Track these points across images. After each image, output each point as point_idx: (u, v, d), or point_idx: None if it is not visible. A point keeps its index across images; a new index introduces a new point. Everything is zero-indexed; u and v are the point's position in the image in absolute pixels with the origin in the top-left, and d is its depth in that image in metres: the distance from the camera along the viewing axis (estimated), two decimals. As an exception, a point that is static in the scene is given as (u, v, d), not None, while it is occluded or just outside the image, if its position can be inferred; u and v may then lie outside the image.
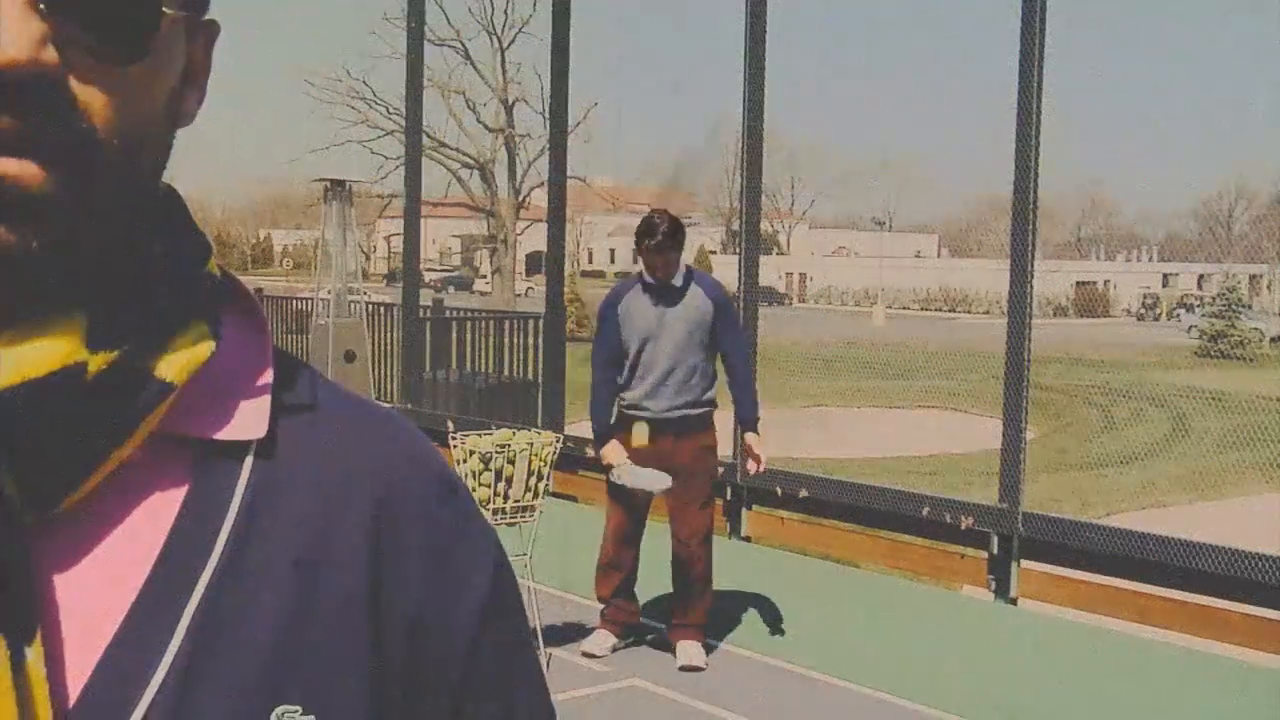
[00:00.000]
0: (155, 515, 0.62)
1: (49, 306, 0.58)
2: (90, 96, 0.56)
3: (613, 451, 5.19)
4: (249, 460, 0.64)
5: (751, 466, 5.41)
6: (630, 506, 5.37)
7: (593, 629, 5.67)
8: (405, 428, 0.72)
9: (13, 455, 0.57)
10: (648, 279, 5.29)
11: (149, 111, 0.60)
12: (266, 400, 0.66)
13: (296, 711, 0.61)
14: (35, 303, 0.58)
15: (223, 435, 0.64)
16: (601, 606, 5.53)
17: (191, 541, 0.61)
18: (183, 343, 0.62)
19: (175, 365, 0.61)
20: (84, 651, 0.58)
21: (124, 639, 0.59)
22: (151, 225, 0.64)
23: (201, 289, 0.65)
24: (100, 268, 0.60)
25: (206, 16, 0.66)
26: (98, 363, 0.58)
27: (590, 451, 8.41)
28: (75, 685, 0.58)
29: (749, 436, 5.34)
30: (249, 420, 0.65)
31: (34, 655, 0.56)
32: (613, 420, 5.41)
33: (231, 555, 0.62)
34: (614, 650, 5.45)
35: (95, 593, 0.60)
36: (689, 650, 5.34)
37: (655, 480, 5.19)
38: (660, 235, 5.17)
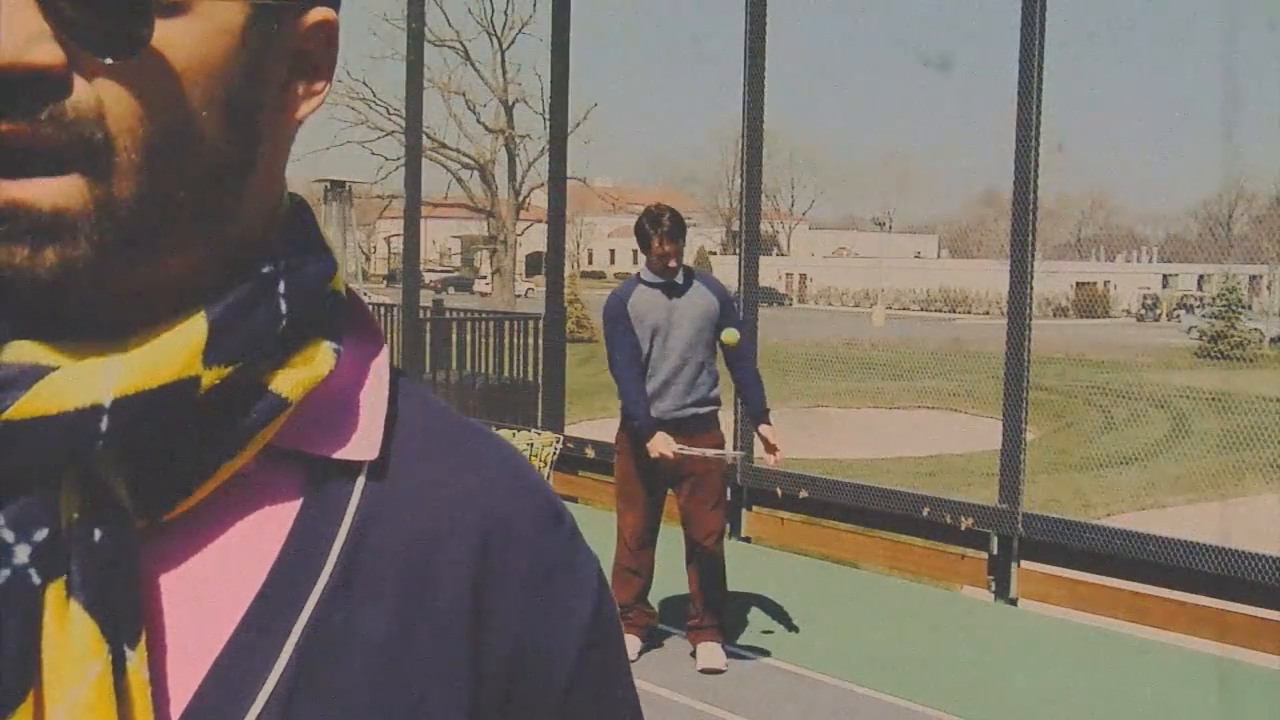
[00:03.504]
0: (265, 530, 0.62)
1: (163, 313, 0.58)
2: (103, 95, 0.54)
3: (663, 442, 5.10)
4: (360, 481, 0.64)
5: (770, 458, 5.40)
6: (647, 510, 5.35)
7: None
8: (513, 455, 0.71)
9: (126, 461, 0.58)
10: (650, 278, 5.27)
11: (185, 108, 0.57)
12: (380, 422, 0.65)
13: None
14: (131, 302, 0.58)
15: (337, 454, 0.64)
16: (618, 611, 5.50)
17: (302, 560, 0.61)
18: (301, 360, 0.62)
19: (292, 382, 0.61)
20: (189, 661, 0.59)
21: (231, 653, 0.59)
22: (268, 235, 0.63)
23: (324, 306, 0.64)
24: (202, 274, 0.60)
25: (318, 11, 0.63)
26: (211, 378, 0.58)
27: (591, 453, 8.42)
28: (179, 696, 0.58)
29: (764, 429, 5.33)
30: (363, 441, 0.64)
31: (136, 659, 0.56)
32: (620, 424, 5.39)
33: (340, 576, 0.62)
34: (640, 654, 5.43)
35: (202, 603, 0.60)
36: (710, 651, 5.31)
37: (722, 451, 5.26)
38: (668, 222, 5.18)
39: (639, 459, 5.27)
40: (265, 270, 0.62)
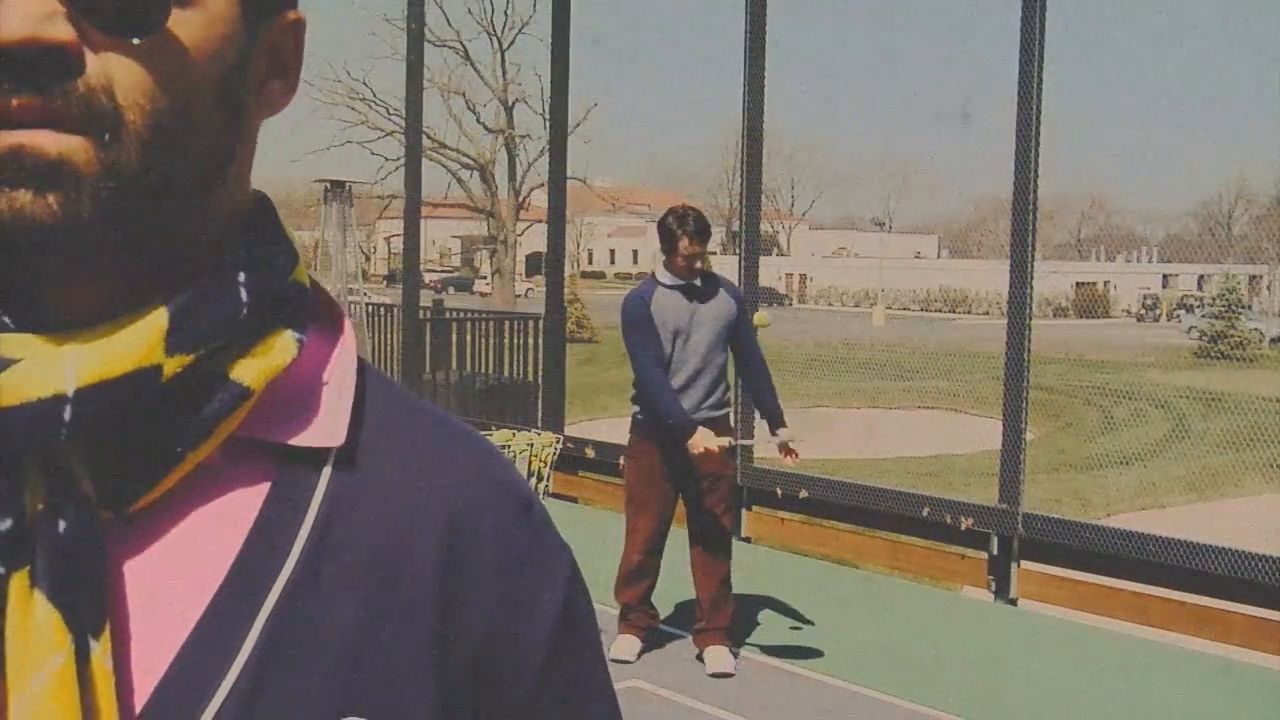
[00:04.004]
0: (232, 519, 0.62)
1: (127, 304, 0.59)
2: (112, 72, 0.56)
3: (706, 437, 5.04)
4: (327, 470, 0.65)
5: (787, 460, 5.39)
6: (658, 514, 5.32)
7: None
8: (482, 444, 0.72)
9: (91, 452, 0.59)
10: (669, 280, 5.23)
11: (187, 90, 0.59)
12: (347, 410, 0.66)
13: None
14: (98, 290, 0.59)
15: (301, 441, 0.64)
16: (619, 611, 5.50)
17: (267, 549, 0.62)
18: (263, 349, 0.63)
19: (254, 371, 0.62)
20: (153, 652, 0.59)
21: (195, 644, 0.59)
22: (232, 227, 0.65)
23: (287, 297, 0.65)
24: (171, 264, 0.61)
25: (293, 11, 0.66)
26: (173, 366, 0.59)
27: (591, 453, 8.42)
28: (143, 686, 0.59)
29: (783, 431, 5.31)
30: (328, 428, 0.65)
31: (100, 650, 0.57)
32: (630, 427, 5.36)
33: (306, 564, 0.62)
34: (640, 655, 5.42)
35: (167, 594, 0.60)
36: (718, 656, 5.28)
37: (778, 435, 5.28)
38: (694, 223, 5.15)
39: (651, 463, 5.25)
40: (226, 260, 0.63)
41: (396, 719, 0.62)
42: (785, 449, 5.28)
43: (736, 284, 6.22)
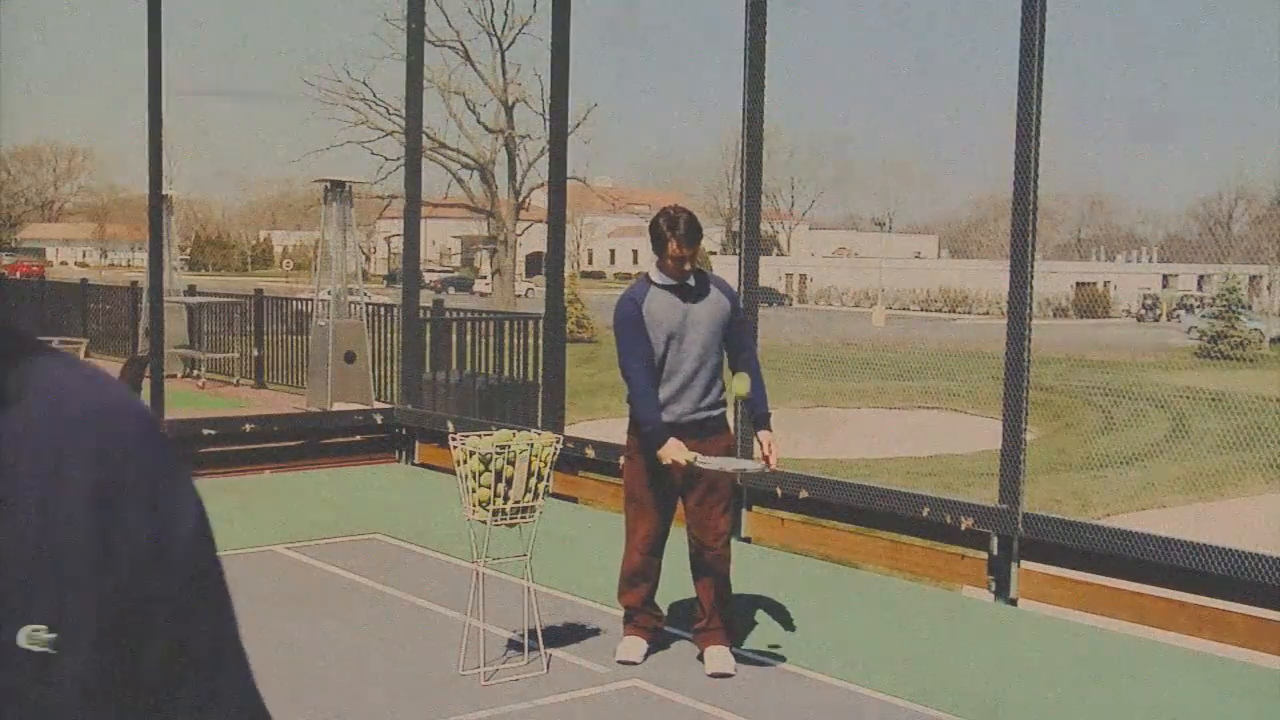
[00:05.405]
0: None
1: None
2: None
3: (676, 449, 5.04)
4: None
5: (764, 465, 5.37)
6: (658, 514, 5.31)
7: (594, 630, 5.66)
8: (114, 383, 0.82)
9: None
10: (661, 280, 5.23)
11: None
12: None
13: (43, 630, 0.72)
14: None
15: None
16: (623, 614, 5.48)
17: None
18: None
19: None
20: None
21: None
22: None
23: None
24: None
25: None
26: None
27: (591, 453, 8.42)
28: None
29: (764, 435, 5.30)
30: None
31: None
32: (628, 427, 5.34)
33: None
34: (646, 656, 5.40)
35: None
36: (718, 656, 5.27)
37: (743, 462, 5.24)
38: (684, 226, 5.14)
39: (650, 464, 5.24)
40: None
41: (68, 624, 0.72)
42: (763, 452, 5.26)
43: (733, 283, 6.21)
